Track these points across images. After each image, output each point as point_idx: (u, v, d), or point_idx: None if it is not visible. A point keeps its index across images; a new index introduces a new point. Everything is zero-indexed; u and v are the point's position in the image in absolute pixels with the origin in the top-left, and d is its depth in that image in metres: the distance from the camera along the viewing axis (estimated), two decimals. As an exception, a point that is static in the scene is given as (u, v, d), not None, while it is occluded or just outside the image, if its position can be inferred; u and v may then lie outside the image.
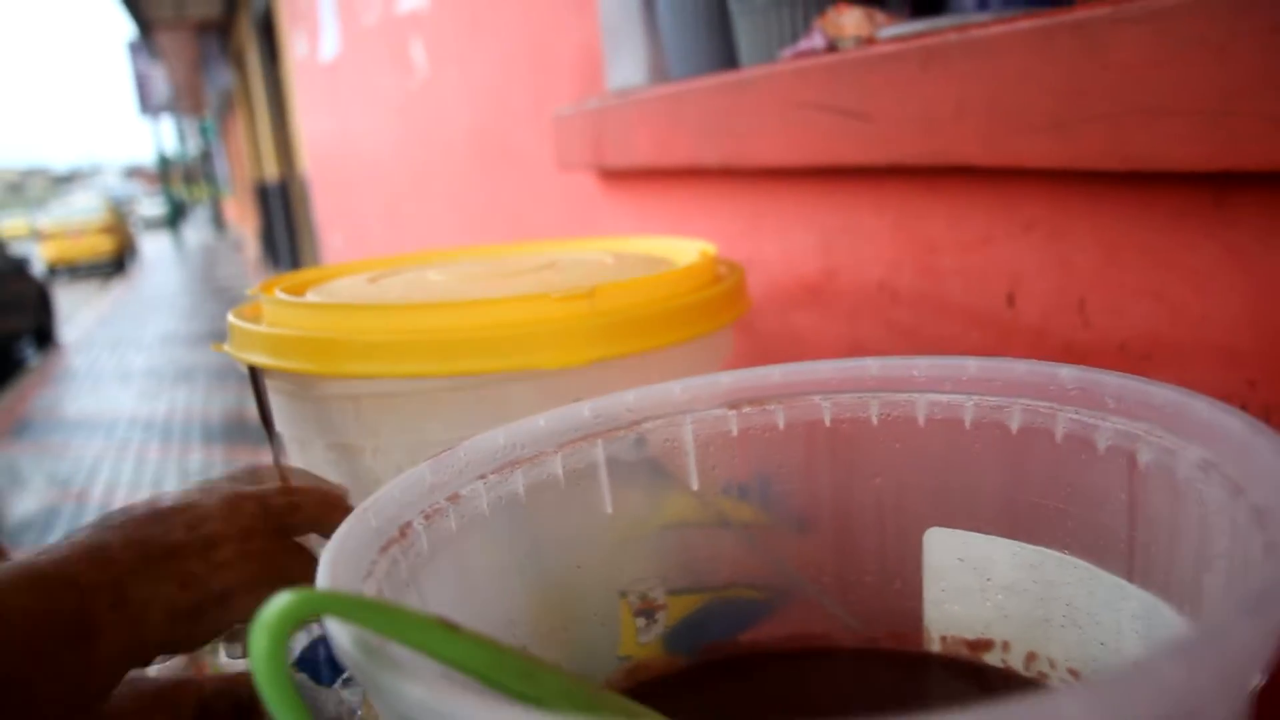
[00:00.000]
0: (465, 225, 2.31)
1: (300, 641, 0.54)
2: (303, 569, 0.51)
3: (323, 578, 0.30)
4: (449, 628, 0.26)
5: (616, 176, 1.37)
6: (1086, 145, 0.58)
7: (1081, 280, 0.66)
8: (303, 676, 0.51)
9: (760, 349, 1.05)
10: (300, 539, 0.52)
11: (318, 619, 0.26)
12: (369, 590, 0.32)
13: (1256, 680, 0.24)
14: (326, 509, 0.53)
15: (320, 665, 0.52)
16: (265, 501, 0.51)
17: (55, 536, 0.65)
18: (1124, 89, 0.56)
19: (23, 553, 0.47)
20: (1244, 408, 0.57)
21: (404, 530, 0.37)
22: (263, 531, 0.50)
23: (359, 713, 0.49)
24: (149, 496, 0.50)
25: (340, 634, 0.25)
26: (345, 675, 0.51)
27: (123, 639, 0.44)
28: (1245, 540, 0.28)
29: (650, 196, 1.27)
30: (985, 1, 1.13)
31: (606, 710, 0.31)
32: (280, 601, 0.24)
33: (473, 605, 0.40)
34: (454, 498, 0.40)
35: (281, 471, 0.56)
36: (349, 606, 0.25)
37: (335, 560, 0.31)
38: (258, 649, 0.23)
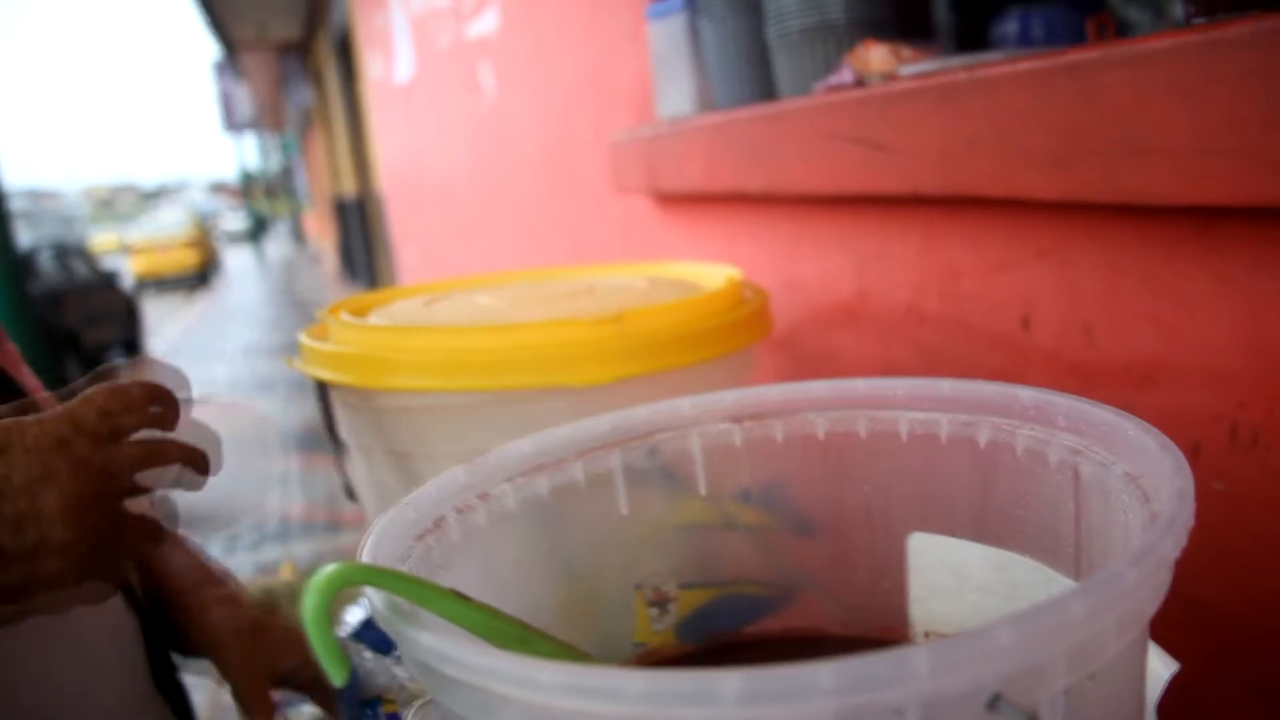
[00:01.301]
0: (531, 244, 2.39)
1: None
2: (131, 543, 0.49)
3: (365, 557, 0.36)
4: (461, 597, 0.32)
5: (669, 200, 1.43)
6: (1084, 179, 0.63)
7: (1088, 305, 0.70)
8: (363, 646, 0.57)
9: (799, 366, 1.09)
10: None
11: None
12: (405, 570, 0.38)
13: (1149, 613, 0.29)
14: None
15: (380, 639, 0.58)
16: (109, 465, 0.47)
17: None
18: (1114, 127, 0.60)
19: None
20: (1234, 427, 0.61)
21: (438, 522, 0.43)
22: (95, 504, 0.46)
23: (408, 685, 0.55)
24: None
25: (375, 598, 0.31)
26: (397, 652, 0.57)
27: None
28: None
29: (700, 219, 1.33)
30: (1028, 37, 1.17)
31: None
32: (327, 571, 0.30)
33: (499, 591, 0.46)
34: (484, 496, 0.46)
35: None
36: (381, 577, 0.31)
37: (377, 544, 0.38)
38: (309, 608, 0.29)
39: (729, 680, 0.24)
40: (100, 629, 0.65)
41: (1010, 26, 1.19)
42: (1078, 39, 1.06)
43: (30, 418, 0.46)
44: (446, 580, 0.42)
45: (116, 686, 0.65)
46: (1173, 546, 0.29)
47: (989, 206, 0.77)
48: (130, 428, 0.48)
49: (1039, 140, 0.65)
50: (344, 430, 0.75)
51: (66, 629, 0.62)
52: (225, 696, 0.69)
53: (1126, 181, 0.60)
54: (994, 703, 0.25)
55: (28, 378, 0.74)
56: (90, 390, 0.49)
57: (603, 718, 0.26)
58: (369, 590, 0.32)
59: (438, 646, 0.27)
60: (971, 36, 1.26)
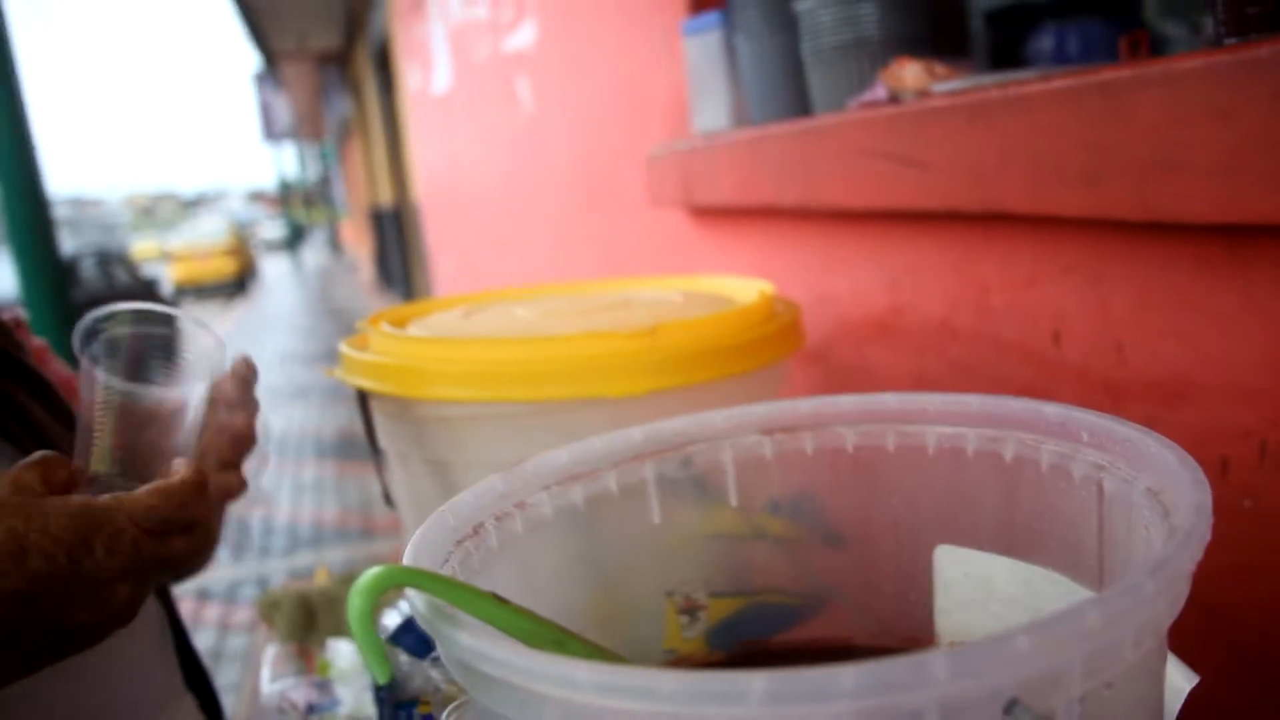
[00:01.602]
0: (566, 255, 2.41)
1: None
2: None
3: (407, 560, 0.38)
4: (499, 600, 0.33)
5: (704, 214, 1.44)
6: (1115, 197, 0.63)
7: (1119, 322, 0.71)
8: (399, 650, 0.59)
9: (832, 380, 1.10)
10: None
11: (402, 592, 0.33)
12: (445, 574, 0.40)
13: (1166, 624, 0.30)
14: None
15: (416, 642, 0.60)
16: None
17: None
18: (1145, 146, 0.60)
19: None
20: (1264, 444, 0.61)
21: (477, 529, 0.44)
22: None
23: (443, 688, 0.56)
24: None
25: (416, 600, 0.33)
26: (434, 654, 0.59)
27: None
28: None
29: (735, 233, 1.34)
30: (1063, 53, 1.18)
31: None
32: (371, 573, 0.31)
33: (535, 596, 0.47)
34: (521, 505, 0.48)
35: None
36: (423, 579, 0.33)
37: (418, 548, 0.39)
38: (354, 609, 0.31)
39: (756, 681, 0.25)
40: (131, 625, 0.67)
41: (1045, 42, 1.20)
42: (1113, 55, 1.07)
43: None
44: (484, 585, 0.43)
45: (146, 682, 0.67)
46: (1189, 559, 0.30)
47: (1021, 223, 0.78)
48: (181, 525, 0.53)
49: (1071, 158, 0.66)
50: (383, 438, 0.77)
51: None
52: (264, 690, 0.71)
53: (1158, 199, 0.60)
54: (1011, 708, 0.26)
55: (58, 369, 0.77)
56: (147, 492, 0.52)
57: (636, 716, 0.27)
58: (410, 592, 0.33)
59: (477, 646, 0.29)
60: (1007, 53, 1.26)
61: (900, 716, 0.26)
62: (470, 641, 0.29)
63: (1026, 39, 1.20)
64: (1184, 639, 0.41)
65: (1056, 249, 0.75)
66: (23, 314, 0.76)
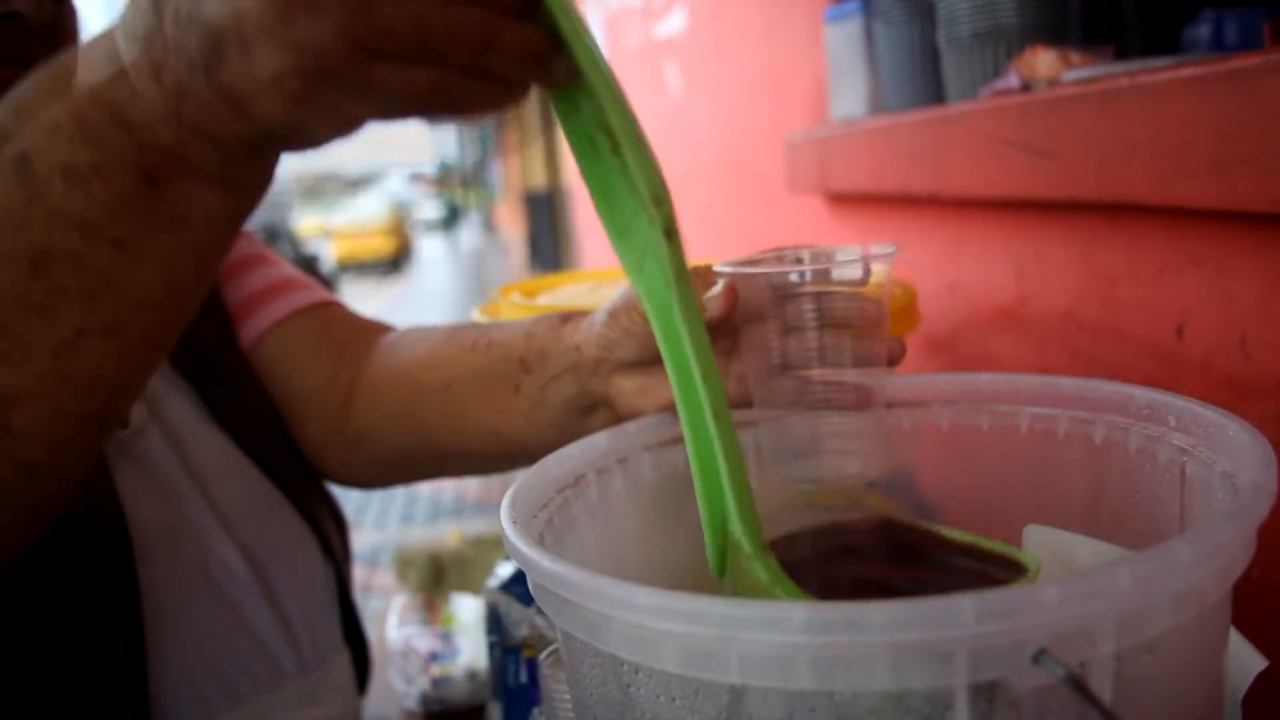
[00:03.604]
0: (709, 240, 2.43)
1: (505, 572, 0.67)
2: None
3: (505, 507, 0.41)
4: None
5: (840, 200, 1.45)
6: (1242, 187, 0.62)
7: (1243, 316, 0.69)
8: (511, 598, 0.63)
9: (958, 367, 1.10)
10: None
11: None
12: (540, 521, 0.43)
13: (1211, 595, 0.31)
14: None
15: (525, 592, 0.64)
16: None
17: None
18: (1274, 135, 0.59)
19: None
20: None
21: (578, 480, 0.48)
22: None
23: (546, 635, 0.60)
24: None
25: (510, 535, 0.36)
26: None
27: (208, 150, 0.40)
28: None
29: (869, 220, 1.35)
30: (1220, 40, 1.14)
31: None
32: None
33: (630, 550, 0.50)
34: (623, 461, 0.51)
35: None
36: None
37: (518, 492, 0.43)
38: None
39: (796, 610, 0.28)
40: (301, 577, 0.71)
41: (1202, 30, 1.16)
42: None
43: None
44: (578, 535, 0.47)
45: (309, 634, 0.70)
46: (1234, 532, 0.31)
47: (1148, 214, 0.77)
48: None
49: (1198, 147, 0.65)
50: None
51: (271, 577, 0.68)
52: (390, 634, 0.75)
53: (1284, 191, 0.59)
54: (1039, 658, 0.28)
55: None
56: None
57: (689, 636, 0.30)
58: (507, 531, 0.37)
59: (554, 570, 0.32)
60: (1164, 41, 1.22)
61: (931, 655, 0.28)
62: (549, 565, 0.33)
63: (1183, 26, 1.17)
64: (1260, 623, 0.41)
65: (1184, 241, 0.74)
66: None
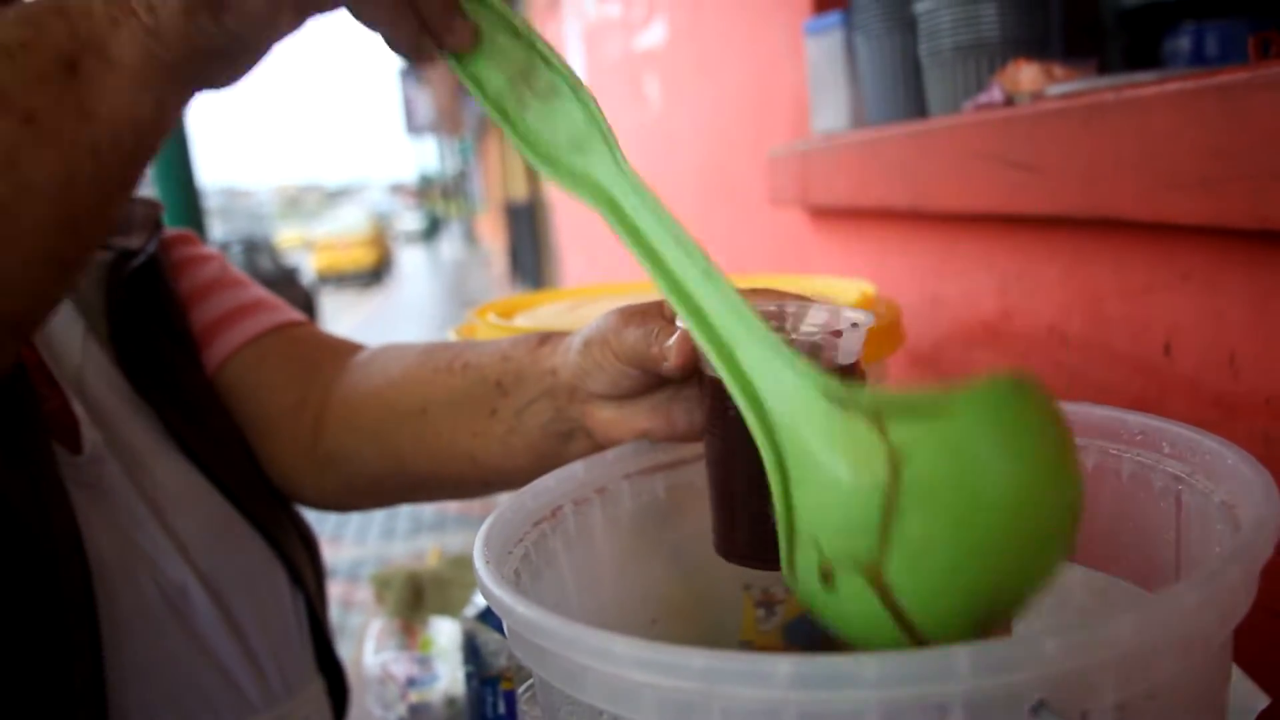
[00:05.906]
0: (687, 252, 2.42)
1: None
2: None
3: (480, 537, 0.40)
4: None
5: (821, 214, 1.44)
6: (1230, 203, 0.61)
7: (1232, 333, 0.68)
8: (489, 628, 0.61)
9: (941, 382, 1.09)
10: None
11: None
12: (515, 557, 0.42)
13: (1218, 637, 0.30)
14: None
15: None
16: None
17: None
18: (1263, 151, 0.58)
19: None
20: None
21: (555, 512, 0.46)
22: None
23: (524, 667, 0.58)
24: None
25: (483, 576, 0.35)
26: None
27: (136, 49, 0.44)
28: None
29: (851, 234, 1.34)
30: (1201, 54, 1.13)
31: None
32: None
33: (610, 582, 0.49)
34: (601, 491, 0.49)
35: None
36: None
37: (492, 528, 0.41)
38: None
39: (782, 664, 0.26)
40: (266, 605, 0.69)
41: (1183, 42, 1.15)
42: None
43: None
44: (558, 570, 0.45)
45: (275, 665, 0.68)
46: (1240, 573, 0.29)
47: (1134, 229, 0.76)
48: None
49: (1186, 163, 0.64)
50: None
51: (234, 606, 0.66)
52: (366, 660, 0.74)
53: (1275, 207, 0.58)
54: (1038, 709, 0.27)
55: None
56: None
57: (669, 689, 0.28)
58: (481, 573, 0.35)
59: (530, 617, 0.31)
60: (1144, 54, 1.22)
61: (925, 709, 0.26)
62: (523, 611, 0.31)
63: (1163, 39, 1.16)
64: (1262, 656, 0.40)
65: (1171, 257, 0.73)
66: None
